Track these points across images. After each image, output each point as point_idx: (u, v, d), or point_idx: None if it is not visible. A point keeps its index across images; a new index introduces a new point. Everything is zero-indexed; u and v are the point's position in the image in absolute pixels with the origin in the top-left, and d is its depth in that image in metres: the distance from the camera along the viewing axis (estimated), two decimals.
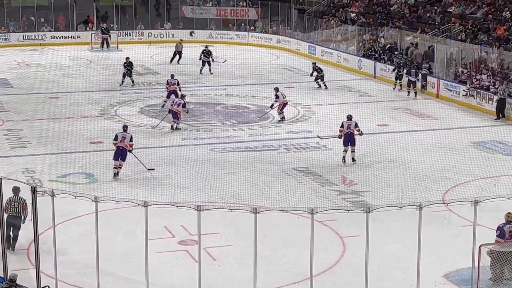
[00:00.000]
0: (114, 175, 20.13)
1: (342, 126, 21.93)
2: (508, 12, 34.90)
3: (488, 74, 29.58)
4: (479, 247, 12.56)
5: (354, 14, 42.28)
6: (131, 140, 20.54)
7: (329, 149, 23.30)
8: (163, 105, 28.53)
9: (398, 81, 32.87)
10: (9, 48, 43.90)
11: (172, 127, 25.42)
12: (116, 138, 20.59)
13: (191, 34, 48.29)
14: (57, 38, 46.88)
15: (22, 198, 14.81)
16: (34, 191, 12.82)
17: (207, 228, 13.67)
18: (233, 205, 14.35)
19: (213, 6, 50.90)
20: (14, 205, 14.83)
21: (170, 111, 25.55)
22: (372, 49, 37.68)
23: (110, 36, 45.00)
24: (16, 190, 14.86)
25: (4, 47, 44.23)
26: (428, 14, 39.05)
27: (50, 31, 47.24)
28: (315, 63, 34.76)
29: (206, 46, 38.02)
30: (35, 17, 47.80)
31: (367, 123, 26.60)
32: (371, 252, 12.44)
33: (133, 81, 33.33)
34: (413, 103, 30.40)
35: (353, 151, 21.75)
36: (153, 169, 20.63)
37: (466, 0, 38.36)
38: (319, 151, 23.06)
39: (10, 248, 14.74)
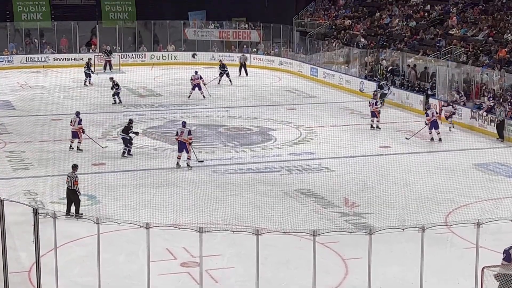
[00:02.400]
0: (178, 164, 23.16)
1: None
2: (509, 35, 35.01)
3: (489, 96, 29.60)
4: (482, 269, 12.50)
5: (363, 40, 42.38)
6: (189, 134, 23.41)
7: (331, 170, 23.29)
8: (189, 96, 35.37)
9: (383, 99, 33.92)
10: (12, 70, 44.10)
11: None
12: (176, 134, 23.46)
13: (193, 56, 48.47)
14: (59, 60, 47.09)
15: (75, 174, 18.42)
16: (36, 213, 12.82)
17: (209, 250, 13.64)
18: (235, 227, 14.35)
19: (215, 29, 51.12)
20: (68, 181, 18.32)
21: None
22: (375, 71, 37.79)
23: (113, 57, 45.16)
24: (74, 167, 18.70)
25: (7, 69, 44.40)
26: (429, 36, 39.17)
27: (52, 53, 47.45)
28: (221, 61, 41.61)
29: (221, 61, 41.73)
30: (38, 40, 48.04)
31: (369, 145, 26.67)
32: (374, 274, 12.41)
33: (120, 101, 34.18)
34: (415, 125, 30.36)
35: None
36: (202, 161, 23.77)
37: (468, 23, 38.50)
38: (321, 173, 23.05)
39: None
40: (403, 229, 12.63)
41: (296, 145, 26.88)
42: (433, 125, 27.36)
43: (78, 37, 48.35)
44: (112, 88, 34.18)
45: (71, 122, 25.59)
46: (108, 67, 44.71)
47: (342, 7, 49.49)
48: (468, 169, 23.60)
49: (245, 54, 46.04)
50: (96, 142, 25.61)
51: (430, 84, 33.49)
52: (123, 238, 15.86)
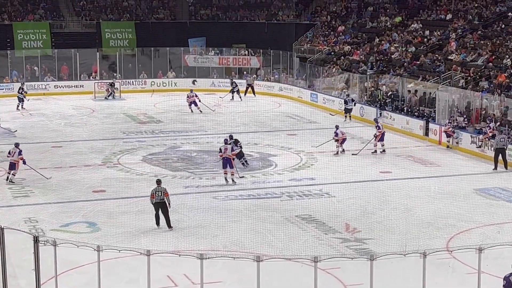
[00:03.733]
0: (226, 180, 24.63)
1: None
2: (509, 60, 35.14)
3: (488, 123, 29.59)
4: None
5: (369, 65, 42.61)
6: (232, 150, 25.03)
7: (332, 196, 23.26)
8: (192, 111, 39.02)
9: (348, 114, 37.57)
10: (12, 98, 44.13)
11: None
12: (220, 151, 24.84)
13: (193, 82, 48.63)
14: (60, 87, 47.24)
15: (163, 187, 19.93)
16: (36, 240, 12.80)
17: (210, 276, 13.59)
18: (236, 253, 14.31)
19: (215, 55, 51.33)
20: (158, 194, 19.71)
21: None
22: (374, 96, 37.91)
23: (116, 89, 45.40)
24: (158, 181, 20.04)
25: (7, 96, 44.49)
26: (429, 62, 39.32)
27: (53, 80, 47.61)
28: (231, 78, 45.57)
29: (232, 79, 45.41)
30: (39, 67, 48.22)
31: (370, 170, 26.66)
32: None
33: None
34: (416, 150, 30.41)
35: None
36: (243, 177, 25.16)
37: (467, 48, 38.66)
38: (322, 198, 23.02)
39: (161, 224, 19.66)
40: (404, 254, 12.60)
41: (296, 170, 26.87)
42: (382, 137, 29.69)
43: (79, 64, 48.55)
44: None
45: (9, 153, 25.01)
46: (112, 96, 44.79)
47: (341, 33, 49.74)
48: (469, 194, 23.57)
49: (253, 76, 48.01)
50: (39, 173, 25.12)
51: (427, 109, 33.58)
52: (123, 266, 15.81)
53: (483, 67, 35.90)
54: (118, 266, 15.70)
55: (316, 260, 12.12)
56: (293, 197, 23.24)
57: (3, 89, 45.92)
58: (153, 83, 48.89)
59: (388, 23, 47.57)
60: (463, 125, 30.72)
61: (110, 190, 23.90)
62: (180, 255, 13.07)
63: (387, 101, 36.95)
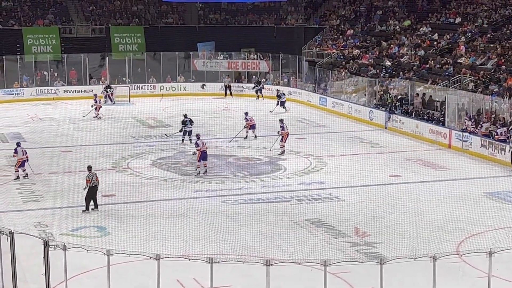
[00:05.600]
0: (203, 173, 26.27)
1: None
2: None
3: (498, 127, 29.54)
4: None
5: (389, 63, 42.48)
6: (205, 144, 26.98)
7: (341, 200, 23.24)
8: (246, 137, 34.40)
9: (259, 93, 45.49)
10: (22, 103, 44.39)
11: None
12: (197, 145, 26.76)
13: (202, 87, 48.69)
14: (69, 92, 47.38)
15: (95, 172, 22.25)
16: (46, 245, 12.83)
17: (220, 280, 13.59)
18: (246, 257, 14.29)
19: (224, 59, 51.37)
20: (93, 179, 21.82)
21: None
22: (384, 100, 37.88)
23: (111, 91, 45.46)
24: (89, 167, 22.40)
25: (17, 101, 44.67)
26: (438, 65, 39.25)
27: (62, 85, 47.75)
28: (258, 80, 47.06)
29: (257, 80, 47.28)
30: (48, 72, 48.37)
31: (379, 174, 26.62)
32: None
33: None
34: (425, 153, 30.34)
35: None
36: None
37: (477, 51, 38.58)
38: (331, 202, 22.99)
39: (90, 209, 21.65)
40: (414, 258, 12.56)
41: (306, 174, 26.85)
42: (252, 127, 33.31)
43: (88, 69, 48.69)
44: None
45: (15, 152, 26.08)
46: (109, 100, 44.86)
47: (350, 37, 49.71)
48: (479, 197, 23.50)
49: (229, 77, 49.08)
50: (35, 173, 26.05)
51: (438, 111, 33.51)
52: (133, 270, 15.82)
53: (492, 71, 35.82)
54: (127, 270, 15.71)
55: (325, 264, 12.10)
56: (302, 201, 23.22)
57: (13, 93, 46.09)
58: (162, 88, 48.98)
59: (397, 26, 47.50)
60: (471, 129, 30.63)
61: (120, 194, 23.95)
62: (189, 259, 13.07)
63: (396, 104, 36.90)
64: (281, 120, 31.41)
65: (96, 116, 39.14)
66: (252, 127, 33.46)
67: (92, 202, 21.95)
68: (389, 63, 42.15)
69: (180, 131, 32.51)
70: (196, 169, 26.93)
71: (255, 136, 33.50)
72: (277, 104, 42.12)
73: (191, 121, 32.50)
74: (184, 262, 13.18)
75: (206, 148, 26.99)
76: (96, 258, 13.51)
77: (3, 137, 34.14)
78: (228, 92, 47.95)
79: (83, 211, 21.71)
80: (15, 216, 21.47)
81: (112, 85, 46.40)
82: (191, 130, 32.29)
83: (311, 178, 26.32)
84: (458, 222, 20.76)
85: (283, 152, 29.96)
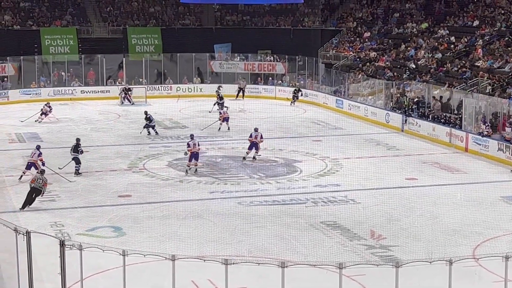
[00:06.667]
0: (193, 172, 26.68)
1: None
2: None
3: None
4: None
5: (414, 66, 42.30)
6: (198, 145, 27.21)
7: (357, 202, 23.18)
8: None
9: (294, 99, 45.07)
10: (40, 103, 44.50)
11: None
12: (188, 146, 27.00)
13: (219, 88, 48.72)
14: (86, 93, 47.57)
15: (45, 178, 22.43)
16: (62, 244, 12.87)
17: (235, 282, 13.58)
18: (261, 259, 14.29)
19: (241, 61, 51.41)
20: (38, 181, 22.04)
21: None
22: (400, 102, 37.77)
23: (130, 93, 45.62)
24: (42, 171, 22.74)
25: (35, 101, 44.88)
26: (455, 68, 39.09)
27: (80, 86, 47.95)
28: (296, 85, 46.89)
29: (296, 86, 46.56)
30: (66, 73, 48.58)
31: (395, 177, 26.55)
32: None
33: (156, 132, 35.31)
34: (442, 157, 30.22)
35: None
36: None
37: (494, 55, 38.39)
38: (347, 205, 22.95)
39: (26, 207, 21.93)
40: (430, 262, 12.51)
41: (321, 177, 26.81)
42: (225, 120, 35.29)
43: (105, 70, 48.88)
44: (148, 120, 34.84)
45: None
46: (127, 101, 45.03)
47: (367, 39, 49.62)
48: (495, 201, 23.38)
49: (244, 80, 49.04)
50: (64, 178, 25.64)
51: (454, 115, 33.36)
52: (148, 270, 15.85)
53: (510, 74, 35.62)
54: (143, 271, 15.74)
55: (341, 266, 12.07)
56: (318, 203, 23.19)
57: (30, 94, 46.35)
58: (178, 89, 49.08)
59: (415, 29, 47.36)
60: (485, 133, 30.49)
61: (136, 195, 24.01)
62: (205, 260, 13.08)
63: (413, 107, 36.78)
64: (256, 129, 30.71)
65: (38, 120, 38.23)
66: (226, 119, 35.68)
67: (28, 201, 22.20)
68: (414, 65, 41.84)
69: (145, 127, 34.77)
70: (187, 167, 27.18)
71: (228, 128, 35.60)
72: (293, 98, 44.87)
73: (150, 118, 34.82)
74: (199, 263, 13.19)
75: (198, 150, 27.23)
76: (112, 258, 13.54)
77: (20, 137, 34.33)
78: (240, 94, 47.84)
79: (20, 208, 22.12)
80: (32, 215, 21.57)
81: (130, 86, 46.53)
82: (154, 125, 34.95)
83: (327, 180, 26.28)
84: (474, 226, 20.66)
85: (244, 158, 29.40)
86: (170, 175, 26.78)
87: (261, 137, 29.46)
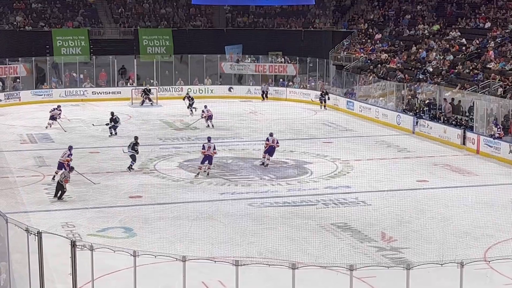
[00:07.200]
0: (199, 175, 26.31)
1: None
2: None
3: None
4: None
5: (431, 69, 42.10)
6: (214, 148, 26.87)
7: (368, 204, 23.15)
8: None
9: (323, 103, 43.90)
10: (51, 104, 44.59)
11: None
12: (203, 148, 26.69)
13: (230, 89, 48.77)
14: (98, 94, 47.68)
15: (69, 175, 23.75)
16: (73, 245, 12.89)
17: (245, 283, 13.58)
18: (271, 261, 14.28)
19: (252, 62, 51.41)
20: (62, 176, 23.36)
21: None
22: (411, 104, 37.69)
23: (151, 94, 45.68)
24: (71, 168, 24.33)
25: (46, 102, 45.01)
26: (467, 71, 38.97)
27: (91, 87, 48.07)
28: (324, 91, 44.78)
29: (324, 91, 45.00)
30: (77, 74, 48.70)
31: (406, 179, 26.49)
32: None
33: (115, 133, 35.21)
34: (453, 159, 30.13)
35: None
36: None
37: (506, 57, 38.26)
38: (357, 207, 22.91)
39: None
40: (441, 264, 12.47)
41: (332, 178, 26.78)
42: (209, 118, 36.69)
43: (117, 71, 48.99)
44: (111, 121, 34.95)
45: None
46: (148, 101, 45.12)
47: (378, 41, 49.54)
48: (507, 204, 23.28)
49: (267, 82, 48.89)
50: (87, 178, 25.64)
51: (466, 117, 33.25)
52: (159, 271, 15.87)
53: None
54: (154, 272, 15.76)
55: (351, 268, 12.06)
56: (328, 205, 23.16)
57: (42, 94, 46.50)
58: (189, 90, 49.08)
59: (426, 31, 47.25)
60: (497, 135, 30.39)
61: (147, 196, 24.05)
62: (215, 261, 13.10)
63: (424, 109, 36.69)
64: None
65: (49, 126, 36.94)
66: (209, 117, 36.91)
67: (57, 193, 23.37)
68: (431, 69, 41.65)
69: (107, 124, 35.08)
70: (198, 169, 26.98)
71: (212, 126, 36.64)
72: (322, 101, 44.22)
73: (116, 120, 34.96)
74: (210, 264, 13.21)
75: (213, 154, 26.89)
76: (123, 259, 13.56)
77: (31, 137, 34.44)
78: (264, 96, 47.80)
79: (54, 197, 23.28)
80: (43, 216, 21.64)
81: (151, 87, 46.52)
82: (117, 126, 34.95)
83: (337, 182, 26.26)
84: (485, 229, 20.59)
85: (262, 163, 28.70)
86: (181, 176, 26.81)
87: (277, 142, 29.03)
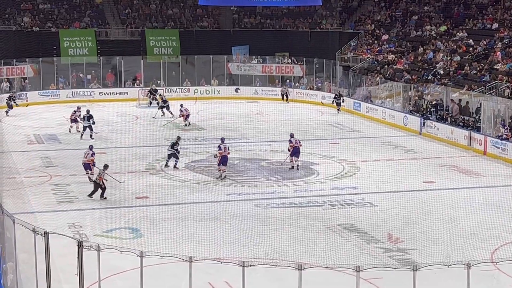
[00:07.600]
0: (221, 178, 26.14)
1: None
2: None
3: None
4: None
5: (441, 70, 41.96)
6: (228, 149, 26.87)
7: (374, 205, 23.12)
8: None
9: (338, 107, 42.52)
10: (58, 104, 44.79)
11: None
12: (220, 148, 26.49)
13: (236, 90, 48.76)
14: (105, 94, 47.74)
15: (103, 172, 23.67)
16: (80, 245, 12.92)
17: (252, 284, 13.58)
18: (278, 262, 14.28)
19: (258, 63, 51.41)
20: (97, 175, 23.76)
21: None
22: (418, 105, 37.63)
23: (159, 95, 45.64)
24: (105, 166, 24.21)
25: (53, 103, 45.13)
26: (474, 72, 38.89)
27: (98, 87, 48.14)
28: (160, 95, 43.55)
29: (338, 94, 43.79)
30: (84, 74, 48.79)
31: (413, 180, 26.44)
32: None
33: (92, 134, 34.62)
34: (460, 160, 30.08)
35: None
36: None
37: None
38: (364, 208, 22.89)
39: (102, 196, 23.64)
40: (448, 265, 12.45)
41: (339, 179, 26.76)
42: (187, 117, 37.08)
43: (124, 71, 49.04)
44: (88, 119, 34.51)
45: (85, 155, 26.11)
46: (155, 102, 45.11)
47: (385, 42, 49.48)
48: None
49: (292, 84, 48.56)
50: (113, 177, 25.17)
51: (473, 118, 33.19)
52: (165, 272, 15.88)
53: None
54: (160, 272, 15.77)
55: (358, 269, 12.05)
56: (335, 206, 23.15)
57: (49, 95, 46.58)
58: (196, 91, 49.15)
59: (433, 32, 47.17)
60: (504, 136, 30.33)
61: (153, 197, 24.07)
62: (222, 262, 13.10)
63: (431, 110, 36.63)
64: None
65: (71, 129, 36.08)
66: (187, 117, 37.89)
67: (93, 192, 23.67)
68: (442, 71, 41.51)
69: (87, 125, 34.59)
70: (218, 172, 26.83)
71: (189, 123, 37.71)
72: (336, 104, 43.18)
73: (90, 117, 34.48)
74: (216, 265, 13.20)
75: (228, 153, 26.81)
76: (129, 260, 13.58)
77: (38, 138, 34.51)
78: (285, 97, 47.55)
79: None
80: (50, 216, 21.68)
81: (158, 88, 46.48)
82: (90, 125, 34.24)
83: (344, 183, 26.24)
84: (492, 230, 20.55)
85: (292, 167, 28.33)
86: (187, 177, 26.82)
87: (300, 142, 28.68)
